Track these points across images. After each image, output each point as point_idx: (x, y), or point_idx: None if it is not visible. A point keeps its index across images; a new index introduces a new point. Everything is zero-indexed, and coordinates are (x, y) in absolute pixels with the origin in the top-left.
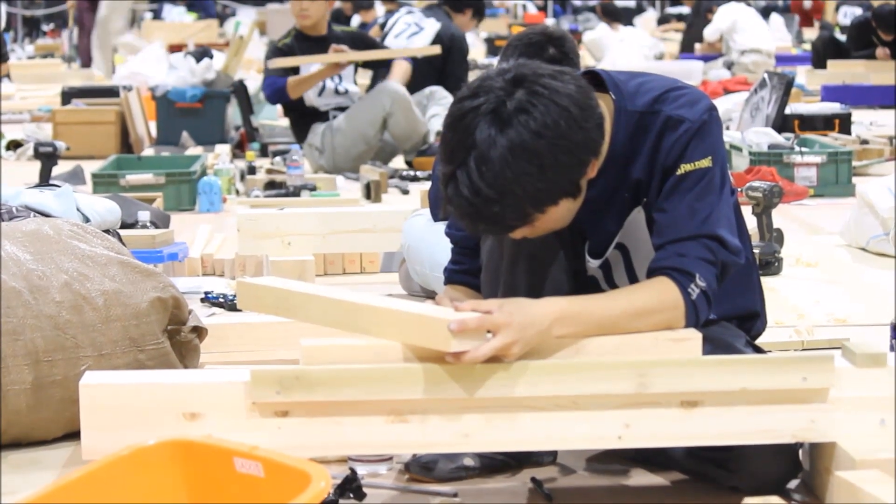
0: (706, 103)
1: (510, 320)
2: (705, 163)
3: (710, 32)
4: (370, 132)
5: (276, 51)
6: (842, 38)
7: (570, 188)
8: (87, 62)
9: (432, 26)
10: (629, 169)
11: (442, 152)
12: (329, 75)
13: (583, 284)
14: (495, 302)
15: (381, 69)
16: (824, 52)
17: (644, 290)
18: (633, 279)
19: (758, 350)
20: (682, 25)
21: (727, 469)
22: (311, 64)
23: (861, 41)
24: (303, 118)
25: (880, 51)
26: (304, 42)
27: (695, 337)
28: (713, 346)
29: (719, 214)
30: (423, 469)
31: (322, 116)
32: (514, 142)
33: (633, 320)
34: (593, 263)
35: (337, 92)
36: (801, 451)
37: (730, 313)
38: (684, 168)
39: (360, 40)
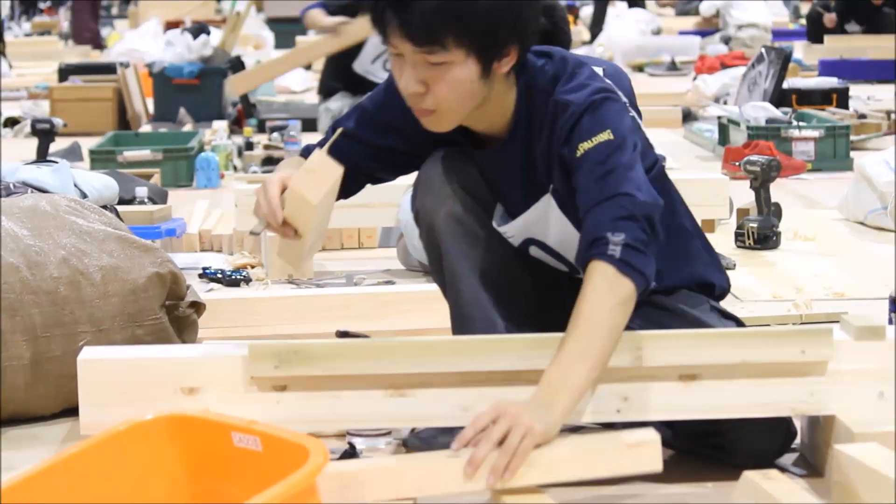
0: (595, 86)
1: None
2: (604, 136)
3: (705, 7)
4: None
5: None
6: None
7: (487, 46)
8: (80, 39)
9: None
10: (531, 146)
11: None
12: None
13: (529, 263)
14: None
15: None
16: (818, 21)
17: (586, 303)
18: (569, 264)
19: (724, 314)
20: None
21: (723, 450)
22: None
23: (847, 9)
24: (343, 77)
25: (827, 17)
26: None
27: (652, 440)
28: (680, 320)
29: (623, 176)
30: (421, 443)
31: (355, 87)
32: None
33: (610, 331)
34: (509, 231)
35: (385, 69)
36: (797, 422)
37: (682, 283)
38: (583, 147)
39: None
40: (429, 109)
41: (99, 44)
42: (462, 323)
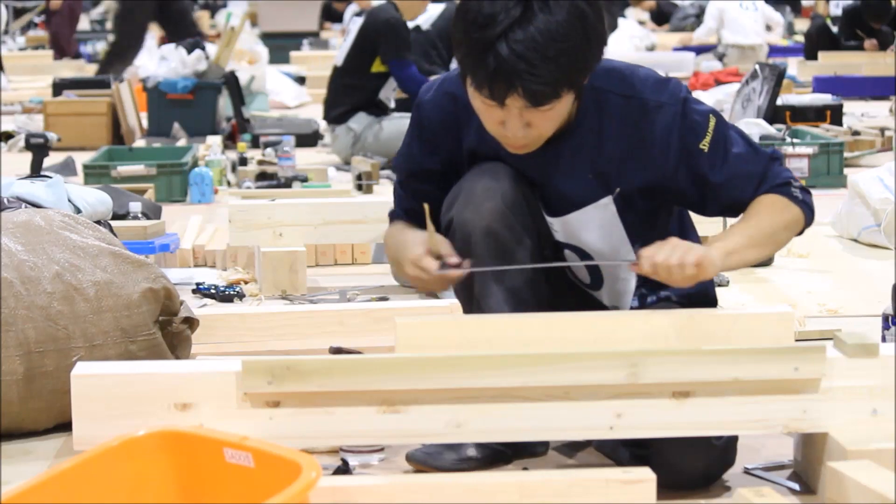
0: (670, 79)
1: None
2: (712, 122)
3: (701, 33)
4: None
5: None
6: (835, 28)
7: (583, 74)
8: (60, 53)
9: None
10: (599, 149)
11: (466, 29)
12: None
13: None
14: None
15: None
16: (818, 39)
17: (757, 208)
18: (595, 274)
19: None
20: None
21: (645, 462)
22: None
23: (852, 29)
24: (363, 97)
25: (868, 43)
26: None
27: (648, 479)
28: None
29: (753, 143)
30: (426, 457)
31: (375, 109)
32: (569, 9)
33: (773, 236)
34: (555, 224)
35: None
36: (791, 439)
37: (685, 292)
38: (704, 143)
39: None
40: (528, 144)
41: (78, 56)
42: None
